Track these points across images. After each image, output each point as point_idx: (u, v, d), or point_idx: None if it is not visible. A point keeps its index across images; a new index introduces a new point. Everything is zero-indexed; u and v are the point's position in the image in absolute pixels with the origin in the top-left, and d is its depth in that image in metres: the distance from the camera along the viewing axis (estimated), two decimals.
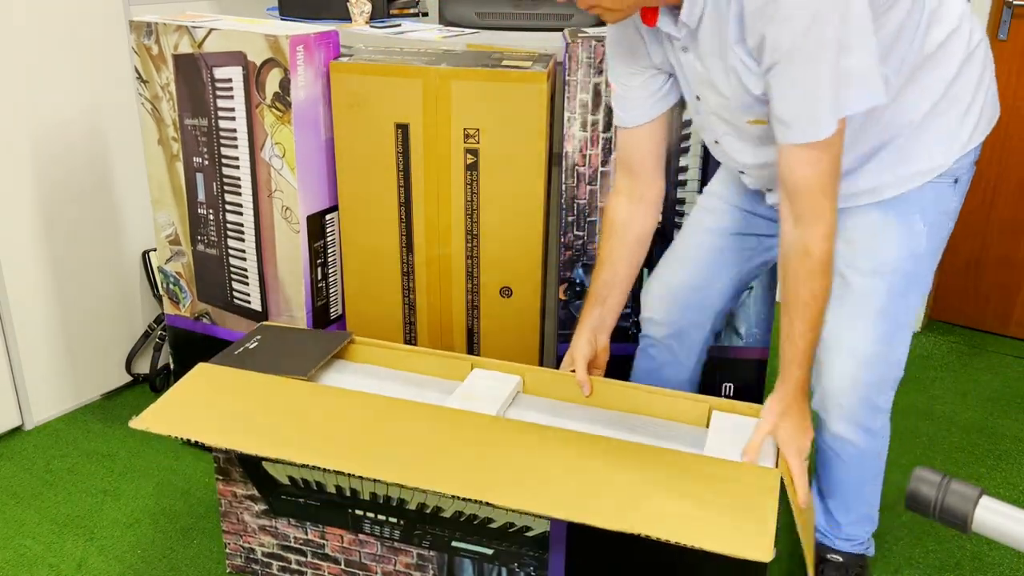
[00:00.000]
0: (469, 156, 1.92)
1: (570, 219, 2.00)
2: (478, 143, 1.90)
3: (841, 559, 1.74)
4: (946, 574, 1.93)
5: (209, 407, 1.51)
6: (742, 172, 1.57)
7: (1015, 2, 2.68)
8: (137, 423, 1.47)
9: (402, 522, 1.58)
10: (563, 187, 1.98)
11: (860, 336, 1.49)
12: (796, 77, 1.25)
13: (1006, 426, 2.49)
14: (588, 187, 1.98)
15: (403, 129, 1.92)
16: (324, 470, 1.54)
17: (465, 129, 1.89)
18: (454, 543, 1.56)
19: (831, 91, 1.24)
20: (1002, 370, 2.80)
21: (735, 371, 2.11)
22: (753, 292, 2.00)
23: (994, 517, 1.16)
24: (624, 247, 1.63)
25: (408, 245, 2.02)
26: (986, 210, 2.92)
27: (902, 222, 1.46)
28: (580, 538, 1.47)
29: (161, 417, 1.48)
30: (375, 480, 1.52)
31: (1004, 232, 2.92)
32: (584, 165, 1.96)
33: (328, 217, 2.04)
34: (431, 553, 1.59)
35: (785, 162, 1.31)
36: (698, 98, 1.47)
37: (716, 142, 1.53)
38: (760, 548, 1.18)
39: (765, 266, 1.73)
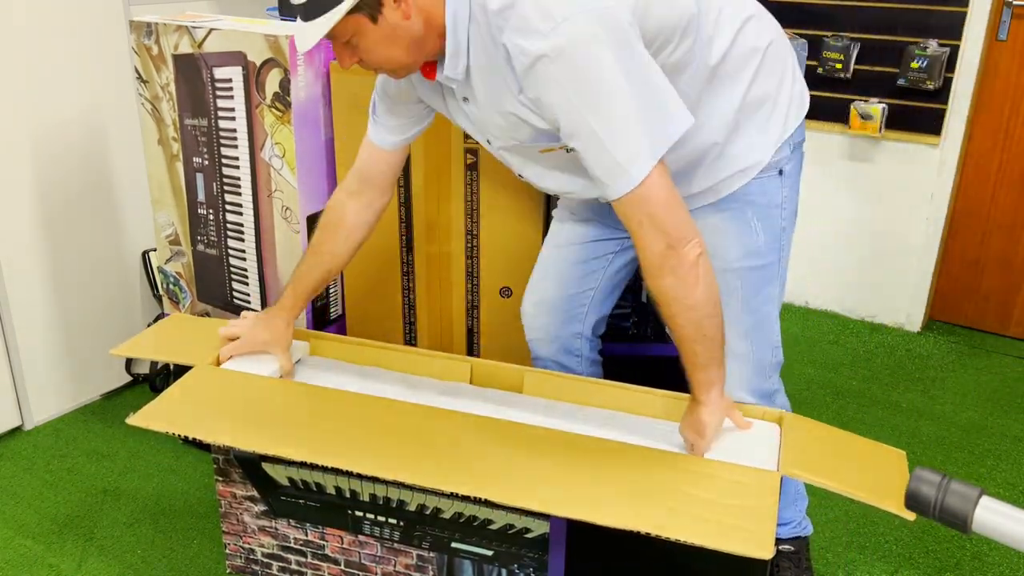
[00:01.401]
0: (469, 156, 1.92)
1: None
2: (478, 143, 1.90)
3: (792, 547, 1.78)
4: (946, 574, 1.93)
5: (208, 405, 1.51)
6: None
7: (1015, 2, 2.68)
8: (135, 420, 1.46)
9: (402, 523, 1.58)
10: None
11: (728, 335, 1.49)
12: (590, 138, 1.23)
13: (1006, 426, 2.49)
14: None
15: None
16: (324, 470, 1.54)
17: None
18: (454, 544, 1.56)
19: (638, 138, 1.23)
20: (1002, 370, 2.80)
21: None
22: None
23: (994, 517, 1.16)
24: (336, 242, 1.64)
25: (408, 245, 2.02)
26: (986, 210, 2.92)
27: (737, 219, 1.51)
28: (580, 539, 1.47)
29: (159, 414, 1.48)
30: (374, 480, 1.52)
31: (1004, 232, 2.92)
32: None
33: None
34: (431, 554, 1.59)
35: (621, 212, 1.29)
36: (488, 141, 1.50)
37: (520, 175, 1.54)
38: (760, 545, 1.19)
39: (631, 265, 1.73)
